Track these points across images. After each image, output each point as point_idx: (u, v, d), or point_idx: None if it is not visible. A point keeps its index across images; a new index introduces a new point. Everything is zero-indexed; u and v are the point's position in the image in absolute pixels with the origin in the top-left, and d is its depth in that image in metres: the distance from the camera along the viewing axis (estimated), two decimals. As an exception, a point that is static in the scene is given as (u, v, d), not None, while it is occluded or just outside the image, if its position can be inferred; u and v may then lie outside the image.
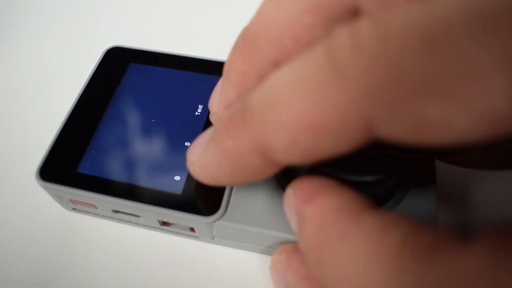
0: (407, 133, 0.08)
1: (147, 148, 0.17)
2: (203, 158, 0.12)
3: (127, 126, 0.18)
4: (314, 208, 0.11)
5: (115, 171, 0.17)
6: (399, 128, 0.08)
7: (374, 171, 0.12)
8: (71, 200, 0.17)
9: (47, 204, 0.19)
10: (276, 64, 0.12)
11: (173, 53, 0.21)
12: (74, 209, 0.19)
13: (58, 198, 0.18)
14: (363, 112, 0.08)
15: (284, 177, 0.16)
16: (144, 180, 0.16)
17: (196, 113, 0.18)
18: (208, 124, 0.18)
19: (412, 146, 0.08)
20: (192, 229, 0.17)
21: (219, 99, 0.14)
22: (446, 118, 0.07)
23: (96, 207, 0.17)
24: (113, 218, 0.18)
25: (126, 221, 0.18)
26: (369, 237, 0.09)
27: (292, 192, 0.12)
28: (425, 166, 0.16)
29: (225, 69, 0.13)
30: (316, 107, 0.09)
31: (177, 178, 0.16)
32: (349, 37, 0.08)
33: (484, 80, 0.07)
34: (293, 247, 0.15)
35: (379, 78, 0.08)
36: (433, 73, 0.07)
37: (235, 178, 0.11)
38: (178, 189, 0.16)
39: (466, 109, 0.07)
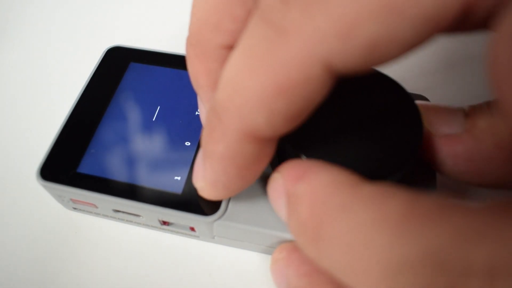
0: (364, 52, 0.08)
1: (147, 148, 0.17)
2: (207, 177, 0.12)
3: (127, 126, 0.18)
4: (307, 183, 0.10)
5: (116, 171, 0.17)
6: (356, 52, 0.08)
7: (374, 171, 0.12)
8: (71, 200, 0.17)
9: (47, 204, 0.19)
10: (231, 47, 0.11)
11: (173, 53, 0.21)
12: (74, 208, 0.19)
13: (59, 198, 0.18)
14: (318, 55, 0.08)
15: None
16: (144, 180, 0.16)
17: (197, 112, 0.19)
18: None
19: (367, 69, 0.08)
20: (192, 229, 0.17)
21: (202, 109, 0.14)
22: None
23: (96, 207, 0.17)
24: (114, 218, 0.18)
25: (126, 220, 0.18)
26: (372, 205, 0.09)
27: (279, 175, 0.12)
28: (425, 171, 0.16)
29: (193, 83, 0.13)
30: (275, 72, 0.09)
31: (177, 177, 0.16)
32: None
33: None
34: (294, 245, 0.15)
35: (319, 19, 0.08)
36: None
37: (246, 176, 0.11)
38: (178, 189, 0.16)
39: None
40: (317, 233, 0.10)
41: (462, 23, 0.08)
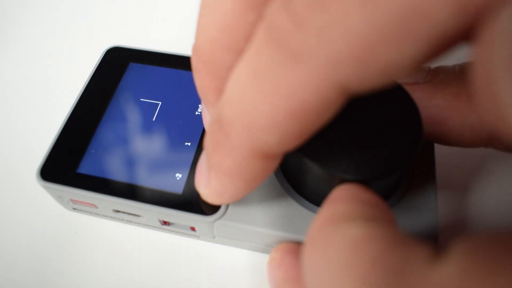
0: (381, 75, 0.08)
1: (147, 148, 0.17)
2: (213, 187, 0.12)
3: (127, 126, 0.18)
4: (329, 209, 0.11)
5: (116, 171, 0.17)
6: (373, 75, 0.08)
7: (374, 170, 0.12)
8: (71, 200, 0.17)
9: (47, 204, 0.19)
10: None
11: (173, 53, 0.21)
12: (74, 209, 0.19)
13: (59, 198, 0.18)
14: (334, 80, 0.08)
15: (284, 176, 0.16)
16: (144, 180, 0.16)
17: (196, 112, 0.19)
18: (208, 123, 0.18)
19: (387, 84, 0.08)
20: (192, 229, 0.17)
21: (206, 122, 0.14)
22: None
23: (96, 207, 0.17)
24: (114, 218, 0.18)
25: (126, 220, 0.18)
26: (348, 247, 0.09)
27: (332, 194, 0.12)
28: (424, 158, 0.16)
29: (200, 94, 0.13)
30: (289, 96, 0.09)
31: (177, 177, 0.16)
32: (284, 13, 0.08)
33: None
34: (290, 246, 0.15)
35: (335, 43, 0.08)
36: None
37: (251, 185, 0.11)
38: (178, 189, 0.16)
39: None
40: (308, 255, 0.10)
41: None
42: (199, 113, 0.18)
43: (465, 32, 0.07)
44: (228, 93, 0.10)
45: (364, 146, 0.13)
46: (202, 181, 0.13)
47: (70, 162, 0.17)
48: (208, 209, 0.15)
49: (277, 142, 0.10)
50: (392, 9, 0.07)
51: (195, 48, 0.12)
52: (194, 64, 0.12)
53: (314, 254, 0.10)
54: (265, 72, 0.09)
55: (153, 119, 0.18)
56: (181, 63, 0.20)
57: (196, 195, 0.16)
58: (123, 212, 0.17)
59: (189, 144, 0.18)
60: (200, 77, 0.12)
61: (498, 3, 0.07)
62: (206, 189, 0.12)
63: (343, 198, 0.11)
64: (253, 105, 0.09)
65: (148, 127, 0.18)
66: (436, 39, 0.07)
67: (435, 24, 0.07)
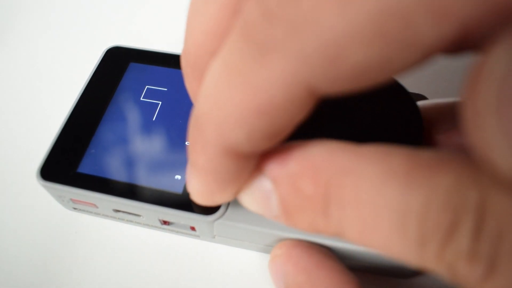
0: (352, 77, 0.08)
1: (147, 148, 0.17)
2: (192, 185, 0.12)
3: (127, 126, 0.18)
4: (299, 160, 0.10)
5: (116, 171, 0.17)
6: (342, 76, 0.08)
7: None
8: (71, 200, 0.17)
9: (47, 204, 0.19)
10: None
11: (173, 53, 0.21)
12: (74, 208, 0.19)
13: (59, 198, 0.18)
14: (301, 78, 0.08)
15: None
16: (144, 180, 0.16)
17: (196, 112, 0.19)
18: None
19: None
20: (192, 228, 0.17)
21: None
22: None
23: (96, 207, 0.17)
24: (114, 218, 0.18)
25: (126, 220, 0.18)
26: (376, 162, 0.09)
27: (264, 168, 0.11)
28: None
29: (190, 95, 0.13)
30: (256, 92, 0.08)
31: (177, 177, 0.16)
32: (256, 8, 0.08)
33: None
34: (293, 242, 0.15)
35: (305, 40, 0.07)
36: None
37: (227, 189, 0.11)
38: (178, 189, 0.16)
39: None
40: (325, 201, 0.10)
41: (459, 47, 0.08)
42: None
43: (452, 44, 0.07)
44: (202, 89, 0.10)
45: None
46: (187, 178, 0.12)
47: (70, 162, 0.17)
48: (208, 209, 0.15)
49: (245, 140, 0.09)
50: (370, 9, 0.07)
51: (183, 52, 0.12)
52: (183, 68, 0.12)
53: (338, 188, 0.09)
54: (235, 67, 0.09)
55: (153, 119, 0.18)
56: (181, 63, 0.20)
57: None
58: (123, 212, 0.17)
59: (189, 143, 0.17)
60: (189, 81, 0.12)
61: (494, 23, 0.07)
62: (189, 189, 0.12)
63: (298, 148, 0.10)
64: (222, 100, 0.09)
65: (148, 127, 0.18)
66: (413, 47, 0.07)
67: (413, 32, 0.07)
